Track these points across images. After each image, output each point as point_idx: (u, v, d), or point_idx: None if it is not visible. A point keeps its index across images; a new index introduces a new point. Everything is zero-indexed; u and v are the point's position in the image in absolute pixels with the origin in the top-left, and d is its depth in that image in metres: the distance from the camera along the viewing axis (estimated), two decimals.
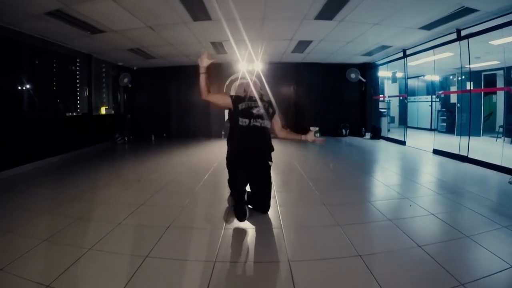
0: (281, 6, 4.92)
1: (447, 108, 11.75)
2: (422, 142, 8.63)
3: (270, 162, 3.21)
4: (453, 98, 11.49)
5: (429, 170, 5.49)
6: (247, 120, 3.02)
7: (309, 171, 5.19)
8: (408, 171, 5.46)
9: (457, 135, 9.69)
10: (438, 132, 11.66)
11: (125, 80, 9.77)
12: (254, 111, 3.06)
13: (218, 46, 7.57)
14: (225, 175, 3.21)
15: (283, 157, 6.37)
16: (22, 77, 6.18)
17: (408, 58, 8.43)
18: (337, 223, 2.89)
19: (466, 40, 6.07)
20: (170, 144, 9.16)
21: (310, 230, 2.83)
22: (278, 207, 3.42)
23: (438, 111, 12.38)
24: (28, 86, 6.32)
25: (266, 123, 3.12)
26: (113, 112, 9.94)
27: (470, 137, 6.18)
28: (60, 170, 5.65)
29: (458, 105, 10.17)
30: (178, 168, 5.54)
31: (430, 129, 12.66)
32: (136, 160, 6.57)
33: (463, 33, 6.08)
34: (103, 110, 9.47)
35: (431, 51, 7.47)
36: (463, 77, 8.35)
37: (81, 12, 4.84)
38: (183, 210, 3.29)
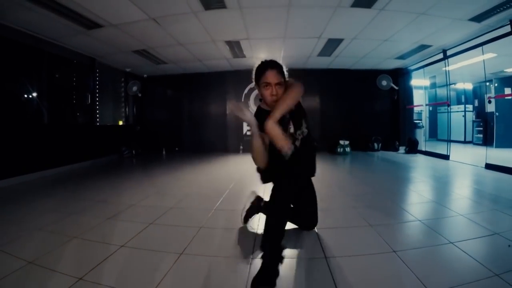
0: None
1: (484, 118, 10.69)
2: (466, 156, 7.62)
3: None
4: (490, 107, 10.43)
5: (498, 190, 4.33)
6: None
7: (355, 196, 4.15)
8: (476, 192, 4.28)
9: (496, 147, 8.98)
10: (474, 144, 10.89)
11: (134, 88, 9.01)
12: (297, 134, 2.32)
13: (234, 47, 6.68)
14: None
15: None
16: (12, 79, 5.41)
17: (446, 61, 7.37)
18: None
19: None
20: (182, 159, 8.25)
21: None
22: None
23: (473, 121, 11.39)
24: (20, 90, 5.58)
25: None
26: (121, 122, 9.14)
27: None
28: (47, 188, 4.79)
29: (497, 113, 9.22)
30: (184, 189, 4.56)
31: (464, 142, 11.59)
32: (139, 179, 5.63)
33: None
34: (120, 123, 8.89)
35: (474, 51, 6.48)
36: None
37: None
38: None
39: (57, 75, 6.51)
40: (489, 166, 5.88)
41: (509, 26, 5.28)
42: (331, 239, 2.51)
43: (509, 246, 2.37)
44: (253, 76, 2.26)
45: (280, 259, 1.90)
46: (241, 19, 4.97)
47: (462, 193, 4.08)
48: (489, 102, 8.49)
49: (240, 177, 5.29)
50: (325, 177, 5.28)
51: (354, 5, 4.52)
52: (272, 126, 1.91)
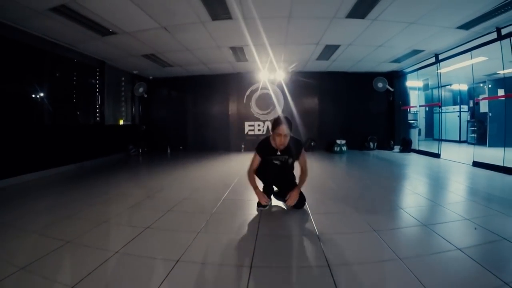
0: (310, 1, 4.40)
1: (477, 118, 10.96)
2: (457, 155, 7.98)
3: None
4: (484, 107, 10.75)
5: (479, 185, 4.71)
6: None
7: (347, 190, 4.54)
8: (460, 188, 4.59)
9: (489, 146, 9.31)
10: (468, 144, 11.17)
11: (140, 89, 9.40)
12: (276, 161, 3.42)
13: (238, 52, 7.08)
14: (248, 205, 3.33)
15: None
16: (31, 82, 5.81)
17: (438, 64, 7.76)
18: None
19: (508, 40, 5.46)
20: (186, 157, 8.64)
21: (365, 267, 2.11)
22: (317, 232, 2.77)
23: (467, 121, 11.75)
24: (37, 92, 5.96)
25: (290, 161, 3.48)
26: (123, 122, 9.55)
27: (506, 148, 5.83)
28: (65, 182, 5.21)
29: (490, 114, 9.55)
30: (193, 183, 4.96)
31: (459, 141, 11.98)
32: (148, 174, 6.06)
33: (504, 31, 5.50)
34: (120, 122, 9.17)
35: (465, 55, 6.82)
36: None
37: (87, 7, 4.43)
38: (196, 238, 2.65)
39: (70, 78, 6.92)
40: (476, 164, 6.26)
41: (495, 33, 5.64)
42: (332, 244, 2.50)
43: (475, 228, 2.78)
44: (270, 126, 3.76)
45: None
46: (245, 28, 5.35)
47: (448, 188, 4.49)
48: (477, 104, 8.81)
49: (242, 176, 5.48)
50: (323, 175, 5.69)
51: (349, 16, 4.91)
52: (299, 191, 3.33)
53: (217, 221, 3.10)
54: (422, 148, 8.95)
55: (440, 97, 8.66)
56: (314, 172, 5.69)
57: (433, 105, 11.62)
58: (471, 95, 12.44)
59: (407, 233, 2.72)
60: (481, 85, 11.02)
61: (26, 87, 5.75)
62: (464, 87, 12.71)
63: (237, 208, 3.54)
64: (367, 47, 6.87)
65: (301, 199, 3.36)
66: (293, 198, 3.22)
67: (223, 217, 3.21)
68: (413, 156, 8.25)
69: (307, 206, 3.46)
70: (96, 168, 6.66)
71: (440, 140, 8.08)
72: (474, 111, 11.84)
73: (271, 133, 3.35)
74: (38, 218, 3.16)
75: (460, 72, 9.23)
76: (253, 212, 3.36)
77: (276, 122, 3.20)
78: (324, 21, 5.19)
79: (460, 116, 12.15)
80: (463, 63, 8.00)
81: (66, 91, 6.85)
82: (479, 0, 4.41)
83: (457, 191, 4.29)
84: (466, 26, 5.44)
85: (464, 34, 5.88)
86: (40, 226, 2.89)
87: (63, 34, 5.68)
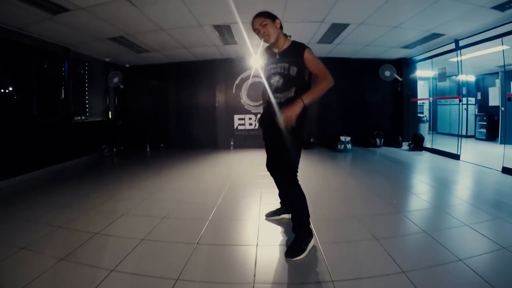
0: None
1: (487, 112, 10.36)
2: (478, 155, 7.05)
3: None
4: (494, 101, 10.20)
5: None
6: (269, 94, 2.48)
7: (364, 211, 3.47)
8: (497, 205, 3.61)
9: (501, 143, 8.46)
10: (476, 139, 10.53)
11: (115, 79, 8.14)
12: (273, 80, 2.45)
13: (225, 32, 5.85)
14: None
15: (314, 182, 4.59)
16: None
17: (459, 51, 6.71)
18: None
19: None
20: (169, 156, 7.53)
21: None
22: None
23: (475, 115, 10.97)
24: None
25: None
26: (96, 118, 8.30)
27: None
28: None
29: (503, 108, 8.72)
30: (170, 202, 3.83)
31: (466, 136, 10.94)
32: (117, 185, 4.82)
33: None
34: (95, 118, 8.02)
35: (490, 42, 5.97)
36: None
37: None
38: None
39: (26, 67, 5.68)
40: (507, 171, 5.21)
41: None
42: (336, 257, 2.27)
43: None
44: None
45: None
46: None
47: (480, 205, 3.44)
48: (509, 99, 7.81)
49: (232, 182, 4.57)
50: (327, 182, 4.60)
51: None
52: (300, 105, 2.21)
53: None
54: (434, 145, 7.87)
55: (460, 88, 7.60)
56: (317, 178, 4.73)
57: (452, 98, 10.62)
58: (479, 86, 11.69)
59: None
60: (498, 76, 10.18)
61: None
62: (471, 78, 11.75)
63: (225, 237, 2.62)
64: (380, 28, 5.75)
65: (296, 246, 2.33)
66: (288, 113, 2.19)
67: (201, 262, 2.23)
68: (426, 156, 7.21)
69: (315, 234, 2.59)
70: (56, 177, 5.47)
71: (459, 136, 7.01)
72: (482, 104, 11.22)
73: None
74: None
75: (468, 62, 8.26)
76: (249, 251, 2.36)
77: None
78: None
79: (467, 109, 11.25)
80: (485, 51, 7.06)
81: (21, 83, 5.60)
82: None
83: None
84: (502, 6, 4.51)
85: (497, 16, 4.93)
86: None
87: (5, 15, 4.56)
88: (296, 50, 2.37)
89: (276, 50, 2.46)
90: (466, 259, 2.16)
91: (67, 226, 2.95)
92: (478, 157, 6.82)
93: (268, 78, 2.48)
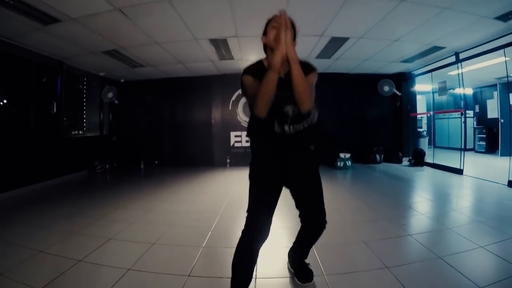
0: None
1: (486, 125, 10.39)
2: (481, 169, 6.96)
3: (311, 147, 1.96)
4: (492, 113, 10.27)
5: None
6: (277, 125, 1.83)
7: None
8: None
9: (501, 155, 8.71)
10: (476, 152, 10.48)
11: (110, 94, 7.96)
12: (287, 109, 1.82)
13: (221, 47, 5.72)
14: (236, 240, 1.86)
15: None
16: None
17: (460, 64, 6.65)
18: None
19: None
20: (162, 175, 7.27)
21: None
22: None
23: (474, 128, 10.96)
24: None
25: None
26: (88, 133, 8.08)
27: None
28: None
29: (502, 120, 8.66)
30: (159, 226, 3.58)
31: (465, 149, 10.80)
32: (106, 206, 4.50)
33: None
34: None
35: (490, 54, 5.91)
36: None
37: None
38: None
39: (15, 80, 5.48)
40: None
41: None
42: None
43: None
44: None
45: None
46: (228, 9, 4.02)
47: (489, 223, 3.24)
48: None
49: (229, 201, 4.35)
50: (328, 203, 4.38)
51: None
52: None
53: None
54: (436, 161, 7.69)
55: (461, 102, 7.53)
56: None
57: (454, 111, 10.63)
58: (477, 99, 11.74)
59: None
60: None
61: None
62: (469, 91, 11.74)
63: (220, 268, 2.36)
64: (380, 42, 5.65)
65: (306, 271, 2.23)
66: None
67: None
68: (428, 172, 7.04)
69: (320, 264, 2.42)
70: (41, 195, 5.19)
71: (462, 150, 6.87)
72: (480, 117, 11.30)
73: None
74: None
75: (466, 75, 8.20)
76: None
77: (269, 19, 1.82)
78: (336, 3, 3.89)
79: (465, 122, 11.18)
80: (485, 63, 7.07)
81: (10, 96, 5.39)
82: None
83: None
84: (505, 17, 4.43)
85: (499, 27, 4.85)
86: None
87: None
88: (305, 71, 1.73)
89: (281, 73, 1.77)
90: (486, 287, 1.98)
91: (48, 250, 2.71)
92: (481, 171, 6.70)
93: (278, 106, 1.81)
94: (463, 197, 4.85)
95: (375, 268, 2.36)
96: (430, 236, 3.02)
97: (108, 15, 4.11)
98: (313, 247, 2.25)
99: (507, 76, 6.37)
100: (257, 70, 1.78)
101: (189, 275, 2.28)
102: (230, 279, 1.85)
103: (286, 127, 1.86)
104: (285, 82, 1.72)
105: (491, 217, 3.56)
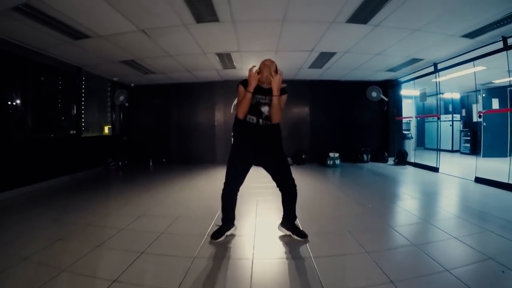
0: (308, 2, 3.91)
1: (471, 128, 11.00)
2: (456, 168, 7.72)
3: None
4: (477, 117, 10.64)
5: (497, 209, 4.14)
6: (254, 118, 2.88)
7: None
8: (465, 210, 4.16)
9: (483, 156, 9.23)
10: (461, 153, 11.14)
11: (121, 98, 8.75)
12: (263, 109, 2.87)
13: (225, 59, 6.55)
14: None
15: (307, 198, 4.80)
16: None
17: (437, 74, 7.44)
18: None
19: None
20: (170, 171, 8.02)
21: None
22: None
23: (460, 131, 11.63)
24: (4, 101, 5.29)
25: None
26: (103, 133, 8.89)
27: (497, 158, 5.88)
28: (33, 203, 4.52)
29: (484, 124, 9.33)
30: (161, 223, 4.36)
31: (452, 151, 11.80)
32: (119, 198, 5.21)
33: (510, 41, 5.21)
34: (104, 132, 8.73)
35: (465, 64, 6.56)
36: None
37: (54, 7, 3.83)
38: None
39: (41, 85, 6.21)
40: (479, 180, 5.88)
41: (501, 42, 5.32)
42: (328, 271, 2.41)
43: (503, 272, 2.29)
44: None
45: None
46: (233, 32, 4.84)
47: (452, 211, 4.02)
48: (479, 117, 8.53)
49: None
50: (318, 195, 5.18)
51: (350, 20, 4.45)
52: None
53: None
54: (418, 160, 8.53)
55: (438, 107, 8.30)
56: (309, 193, 5.17)
57: (431, 116, 11.26)
58: (464, 104, 12.35)
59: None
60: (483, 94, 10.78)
61: None
62: (456, 96, 12.52)
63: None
64: (364, 55, 6.44)
65: (301, 231, 3.13)
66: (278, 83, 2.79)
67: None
68: (409, 170, 7.85)
69: (308, 248, 2.84)
70: (67, 187, 5.99)
71: (438, 150, 7.70)
72: (466, 121, 11.83)
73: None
74: None
75: (453, 81, 9.00)
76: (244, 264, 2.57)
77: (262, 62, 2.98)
78: (322, 26, 4.71)
79: (452, 125, 11.97)
80: (461, 72, 7.74)
81: (37, 100, 6.12)
82: (489, 9, 4.10)
83: (470, 217, 3.74)
84: (471, 35, 5.12)
85: (468, 43, 5.56)
86: None
87: (31, 37, 5.05)
88: (281, 92, 2.87)
89: (265, 86, 2.89)
90: (453, 269, 2.35)
91: (94, 223, 3.50)
92: (455, 169, 7.48)
93: (257, 105, 2.85)
94: (434, 191, 5.58)
95: (357, 252, 2.73)
96: (409, 227, 3.51)
97: (133, 34, 4.89)
98: (307, 237, 3.02)
99: (475, 85, 7.13)
100: (248, 84, 2.82)
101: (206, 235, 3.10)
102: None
103: (261, 121, 2.87)
104: (266, 91, 2.85)
105: (458, 208, 4.29)
